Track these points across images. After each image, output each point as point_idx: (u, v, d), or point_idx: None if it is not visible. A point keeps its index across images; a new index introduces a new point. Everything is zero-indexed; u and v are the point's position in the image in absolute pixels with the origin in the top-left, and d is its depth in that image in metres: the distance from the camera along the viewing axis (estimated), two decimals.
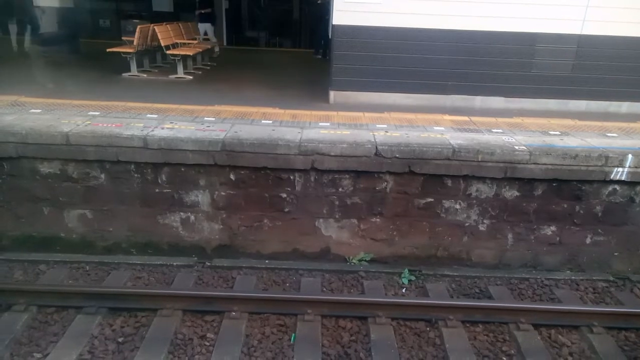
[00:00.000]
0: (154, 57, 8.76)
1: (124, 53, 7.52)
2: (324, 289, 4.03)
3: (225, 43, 13.65)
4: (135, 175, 4.29)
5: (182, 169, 4.26)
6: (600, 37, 5.82)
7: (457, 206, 4.39)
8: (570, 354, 3.35)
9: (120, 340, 3.28)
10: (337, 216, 4.45)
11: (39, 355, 3.13)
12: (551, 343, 3.45)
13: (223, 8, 13.76)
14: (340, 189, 4.34)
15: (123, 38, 8.25)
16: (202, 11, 10.62)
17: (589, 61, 5.95)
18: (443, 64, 5.95)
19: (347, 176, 4.27)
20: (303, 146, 4.13)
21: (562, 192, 4.32)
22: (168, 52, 7.78)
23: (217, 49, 10.83)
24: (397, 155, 4.16)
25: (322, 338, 3.37)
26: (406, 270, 4.29)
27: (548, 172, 4.20)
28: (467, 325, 3.57)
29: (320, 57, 11.42)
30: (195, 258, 4.40)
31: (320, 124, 4.88)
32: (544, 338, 3.48)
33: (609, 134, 4.89)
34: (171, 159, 4.18)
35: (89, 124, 4.40)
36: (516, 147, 4.24)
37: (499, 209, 4.40)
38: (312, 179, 4.29)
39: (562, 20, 5.75)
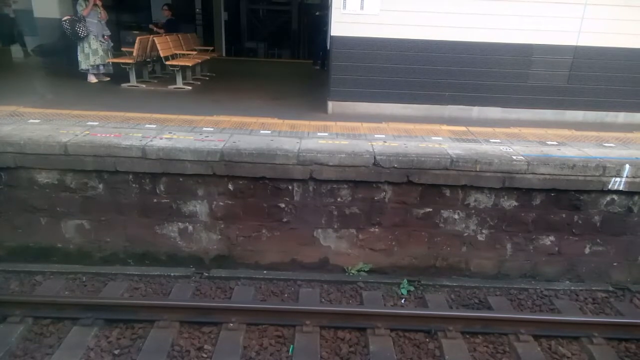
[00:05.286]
0: (153, 67, 8.80)
1: (124, 64, 7.56)
2: (323, 300, 4.01)
3: (224, 54, 13.74)
4: (134, 185, 4.29)
5: (181, 179, 4.25)
6: (595, 48, 5.88)
7: (456, 216, 4.39)
8: None
9: (116, 352, 3.25)
10: (335, 226, 4.44)
11: None
12: (551, 354, 3.43)
13: (222, 19, 13.87)
14: (338, 199, 4.33)
15: (122, 49, 8.29)
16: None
17: (585, 72, 6.01)
18: (440, 75, 5.99)
19: (345, 186, 4.28)
20: (301, 156, 4.14)
21: (560, 202, 4.32)
22: (167, 63, 7.82)
23: None
24: (395, 165, 4.17)
25: (320, 349, 3.34)
26: (405, 281, 4.28)
27: (546, 182, 4.20)
28: (467, 336, 3.55)
29: (318, 68, 11.48)
30: (193, 268, 4.39)
31: (319, 134, 4.89)
32: (544, 349, 3.46)
33: (606, 144, 4.91)
34: (169, 169, 4.18)
35: (88, 134, 4.40)
36: (514, 157, 4.26)
37: (497, 219, 4.40)
38: (311, 189, 4.29)
39: (558, 32, 5.81)
